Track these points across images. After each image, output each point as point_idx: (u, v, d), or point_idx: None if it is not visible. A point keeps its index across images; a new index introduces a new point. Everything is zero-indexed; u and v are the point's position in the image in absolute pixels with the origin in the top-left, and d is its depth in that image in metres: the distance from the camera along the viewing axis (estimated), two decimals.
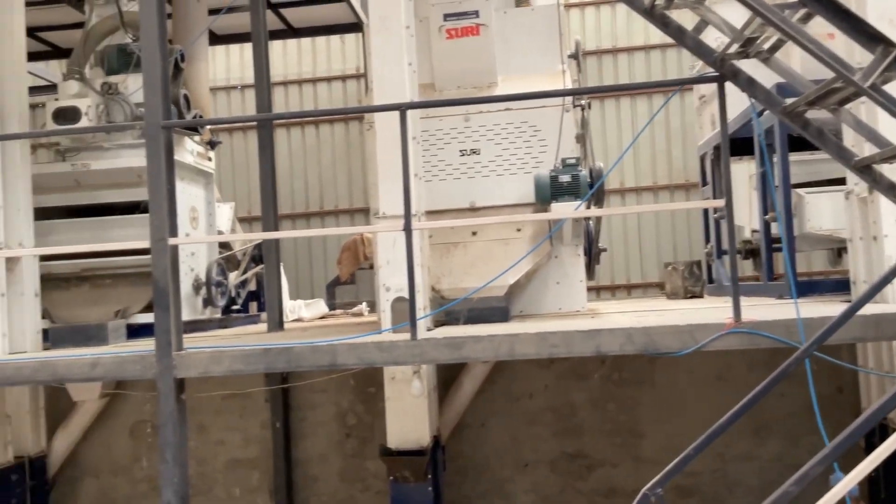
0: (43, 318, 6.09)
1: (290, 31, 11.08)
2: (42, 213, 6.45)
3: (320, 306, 9.55)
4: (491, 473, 5.93)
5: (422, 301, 4.95)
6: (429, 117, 6.08)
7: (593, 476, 6.00)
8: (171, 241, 4.20)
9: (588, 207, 5.43)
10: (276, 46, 12.30)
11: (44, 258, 6.29)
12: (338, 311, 9.69)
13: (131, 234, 6.93)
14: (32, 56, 11.29)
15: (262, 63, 6.35)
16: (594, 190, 5.16)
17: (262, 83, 6.32)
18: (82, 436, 6.23)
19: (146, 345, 5.08)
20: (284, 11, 10.51)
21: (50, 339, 5.94)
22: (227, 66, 13.28)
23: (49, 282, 6.49)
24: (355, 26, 11.19)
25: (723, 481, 5.86)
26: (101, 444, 6.30)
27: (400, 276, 4.88)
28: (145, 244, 4.35)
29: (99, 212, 7.02)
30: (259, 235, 7.80)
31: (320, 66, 13.56)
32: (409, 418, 5.19)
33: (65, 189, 6.93)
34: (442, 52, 6.21)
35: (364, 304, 9.52)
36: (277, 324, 6.21)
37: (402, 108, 4.23)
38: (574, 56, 6.30)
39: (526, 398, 5.95)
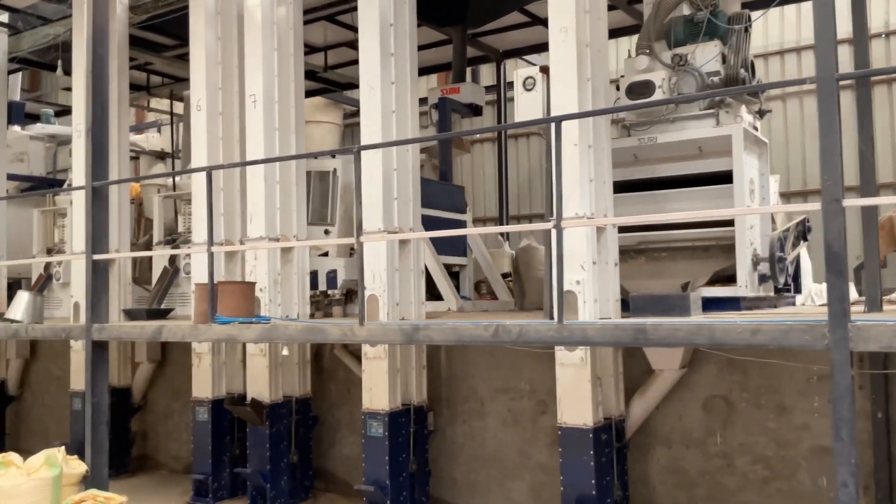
0: None
1: None
2: None
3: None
4: None
5: None
6: None
7: None
8: (847, 202, 3.86)
9: None
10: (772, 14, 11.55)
11: None
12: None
13: (685, 208, 6.88)
14: None
15: (861, 16, 5.74)
16: None
17: (862, 38, 5.70)
18: (656, 404, 6.31)
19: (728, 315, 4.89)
20: None
21: (630, 307, 6.11)
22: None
23: None
24: None
25: None
26: (673, 414, 6.33)
27: None
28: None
29: (652, 186, 7.11)
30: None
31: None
32: None
33: (623, 164, 7.13)
34: None
35: None
36: (877, 303, 5.58)
37: None
38: None
39: None
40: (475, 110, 9.70)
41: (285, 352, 6.61)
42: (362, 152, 6.98)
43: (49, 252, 11.26)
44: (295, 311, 7.71)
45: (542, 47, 12.16)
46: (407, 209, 7.11)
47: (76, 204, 8.99)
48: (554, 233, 5.73)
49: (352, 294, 8.74)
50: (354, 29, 11.19)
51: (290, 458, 7.65)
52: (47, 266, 10.85)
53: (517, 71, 6.45)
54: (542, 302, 9.84)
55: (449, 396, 7.44)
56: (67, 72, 10.66)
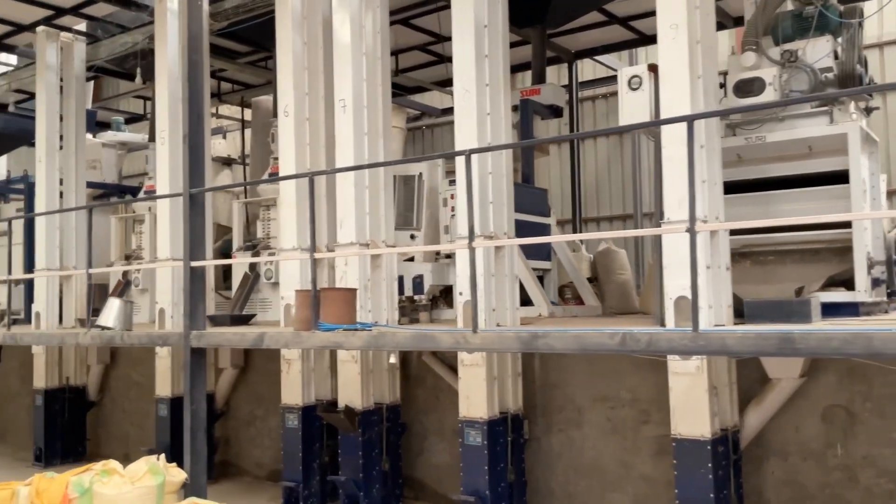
0: None
1: None
2: None
3: None
4: None
5: None
6: None
7: None
8: None
9: None
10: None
11: None
12: None
13: (794, 209, 6.63)
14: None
15: None
16: None
17: None
18: (772, 414, 6.07)
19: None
20: None
21: (745, 313, 5.90)
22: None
23: None
24: None
25: None
26: (789, 424, 6.08)
27: None
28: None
29: (756, 187, 6.86)
30: None
31: None
32: None
33: (725, 164, 6.89)
34: None
35: None
36: None
37: None
38: None
39: None
40: (556, 112, 9.53)
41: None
42: (457, 158, 6.92)
43: (127, 259, 11.36)
44: (384, 317, 7.61)
45: (615, 47, 11.99)
46: (501, 213, 6.98)
47: (161, 211, 9.03)
48: (670, 238, 5.59)
49: (437, 300, 8.65)
50: (428, 32, 11.19)
51: (381, 465, 7.56)
52: (125, 273, 10.95)
53: (622, 69, 6.28)
54: (623, 307, 9.70)
55: (544, 405, 7.28)
56: (147, 79, 10.78)
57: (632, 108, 6.18)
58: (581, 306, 8.79)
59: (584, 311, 8.60)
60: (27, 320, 11.63)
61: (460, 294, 6.80)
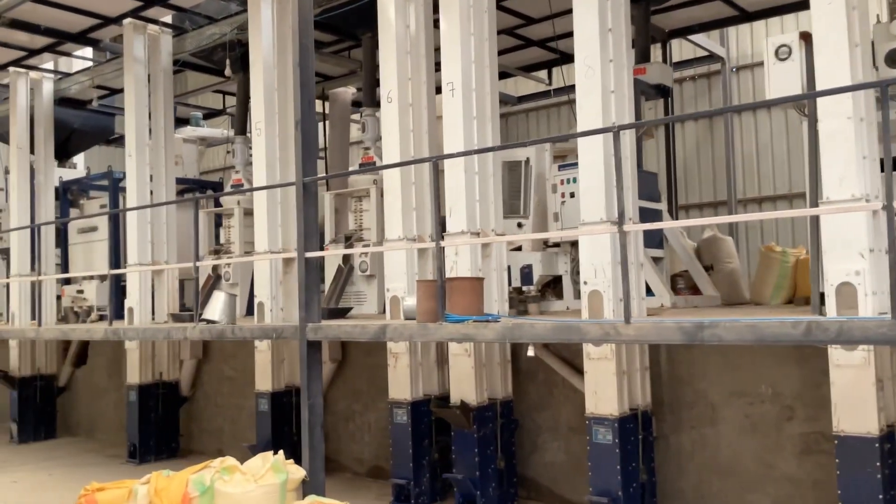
0: None
1: None
2: None
3: None
4: None
5: None
6: None
7: None
8: None
9: None
10: None
11: None
12: None
13: None
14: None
15: None
16: None
17: None
18: None
19: None
20: None
21: None
22: None
23: None
24: None
25: None
26: None
27: None
28: None
29: None
30: None
31: None
32: None
33: None
34: None
35: None
36: None
37: None
38: None
39: None
40: (663, 91, 9.08)
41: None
42: (579, 140, 6.57)
43: (216, 253, 11.26)
44: (495, 308, 7.27)
45: (713, 24, 11.47)
46: (626, 198, 6.56)
47: (258, 203, 8.86)
48: (830, 220, 5.17)
49: (545, 290, 8.31)
50: (518, 14, 10.83)
51: (496, 463, 7.26)
52: (215, 267, 10.85)
53: (769, 38, 5.85)
54: (732, 297, 9.20)
55: (672, 401, 6.88)
56: (236, 71, 10.63)
57: (780, 80, 5.74)
58: (698, 296, 8.35)
59: (704, 301, 8.16)
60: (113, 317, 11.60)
61: (585, 283, 6.45)
